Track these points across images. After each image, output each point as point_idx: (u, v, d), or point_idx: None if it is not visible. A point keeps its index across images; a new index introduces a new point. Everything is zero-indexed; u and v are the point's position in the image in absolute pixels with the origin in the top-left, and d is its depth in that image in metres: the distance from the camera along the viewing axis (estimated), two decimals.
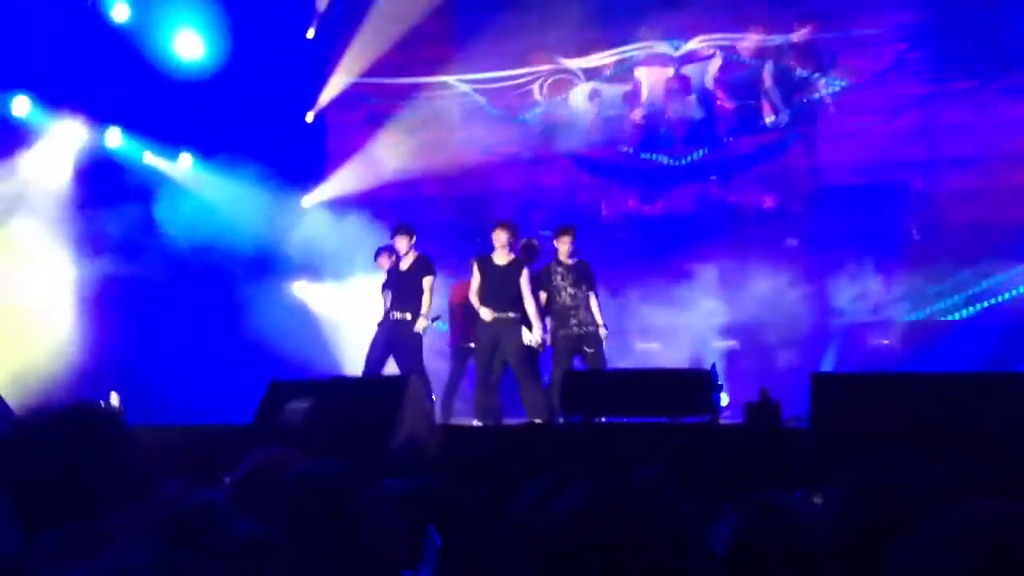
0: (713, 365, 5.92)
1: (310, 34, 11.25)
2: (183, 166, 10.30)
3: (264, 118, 10.38)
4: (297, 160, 10.82)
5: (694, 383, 5.44)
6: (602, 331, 7.75)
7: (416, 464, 5.31)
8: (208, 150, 10.15)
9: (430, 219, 10.34)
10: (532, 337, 7.54)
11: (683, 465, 4.93)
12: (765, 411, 5.24)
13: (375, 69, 11.18)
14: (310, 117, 11.34)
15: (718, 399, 5.56)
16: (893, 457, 2.28)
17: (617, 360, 9.46)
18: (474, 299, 7.61)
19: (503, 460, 5.27)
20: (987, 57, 9.37)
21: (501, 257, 7.63)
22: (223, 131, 10.07)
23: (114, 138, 9.81)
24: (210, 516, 1.53)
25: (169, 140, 10.04)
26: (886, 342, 8.70)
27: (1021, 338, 8.02)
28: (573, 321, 7.69)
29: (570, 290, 7.74)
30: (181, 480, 1.73)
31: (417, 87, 11.27)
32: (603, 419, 5.63)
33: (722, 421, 5.84)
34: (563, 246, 7.82)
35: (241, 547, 1.47)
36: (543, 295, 7.76)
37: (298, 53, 10.99)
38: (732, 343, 9.23)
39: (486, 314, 7.43)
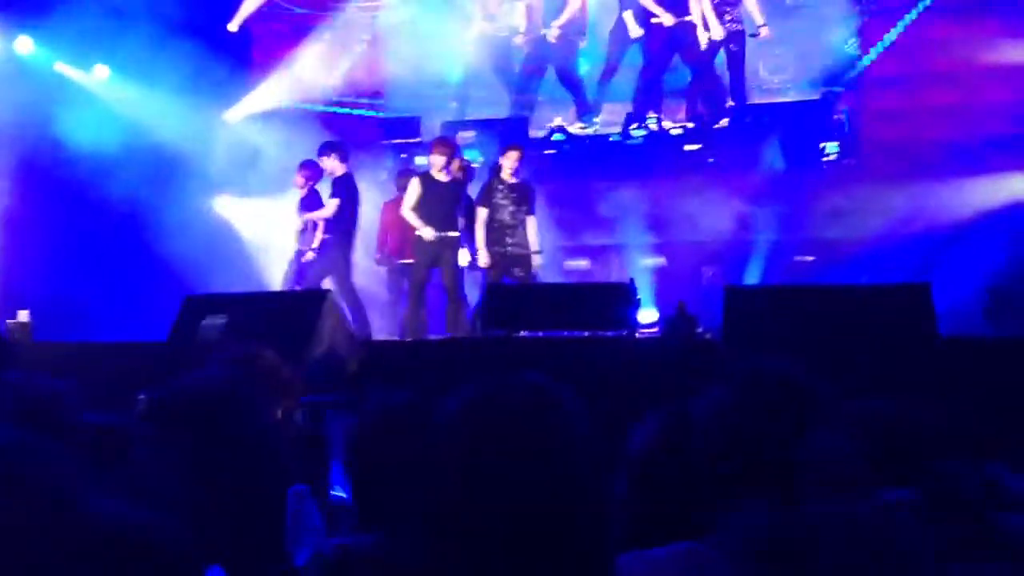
0: (631, 280, 5.96)
1: None
2: (98, 76, 9.90)
3: (185, 27, 9.97)
4: (220, 71, 10.46)
5: (612, 298, 5.48)
6: (536, 258, 7.79)
7: (336, 379, 5.30)
8: (125, 60, 9.75)
9: (357, 136, 10.16)
10: (466, 256, 7.61)
11: (600, 378, 5.00)
12: (680, 324, 5.31)
13: None
14: (233, 26, 10.93)
15: (635, 313, 5.61)
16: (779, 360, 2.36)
17: (547, 278, 9.51)
18: (408, 214, 7.51)
19: (423, 374, 5.28)
20: None
21: (442, 175, 7.59)
22: (141, 40, 9.65)
23: (24, 45, 9.38)
24: (56, 404, 1.49)
25: (83, 49, 9.62)
26: (810, 259, 8.83)
27: (938, 256, 8.23)
28: (509, 240, 7.74)
29: (511, 208, 7.79)
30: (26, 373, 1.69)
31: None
32: (523, 333, 5.65)
33: (639, 335, 5.91)
34: (508, 163, 7.84)
35: (87, 433, 1.44)
36: (483, 211, 7.75)
37: None
38: (660, 260, 9.29)
39: (428, 233, 7.36)
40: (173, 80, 9.62)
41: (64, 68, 9.68)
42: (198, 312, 5.71)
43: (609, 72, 9.88)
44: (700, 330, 5.38)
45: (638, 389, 4.75)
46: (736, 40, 9.38)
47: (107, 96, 9.84)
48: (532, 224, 7.85)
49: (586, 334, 5.45)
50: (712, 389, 2.42)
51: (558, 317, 5.47)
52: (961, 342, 4.45)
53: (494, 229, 7.72)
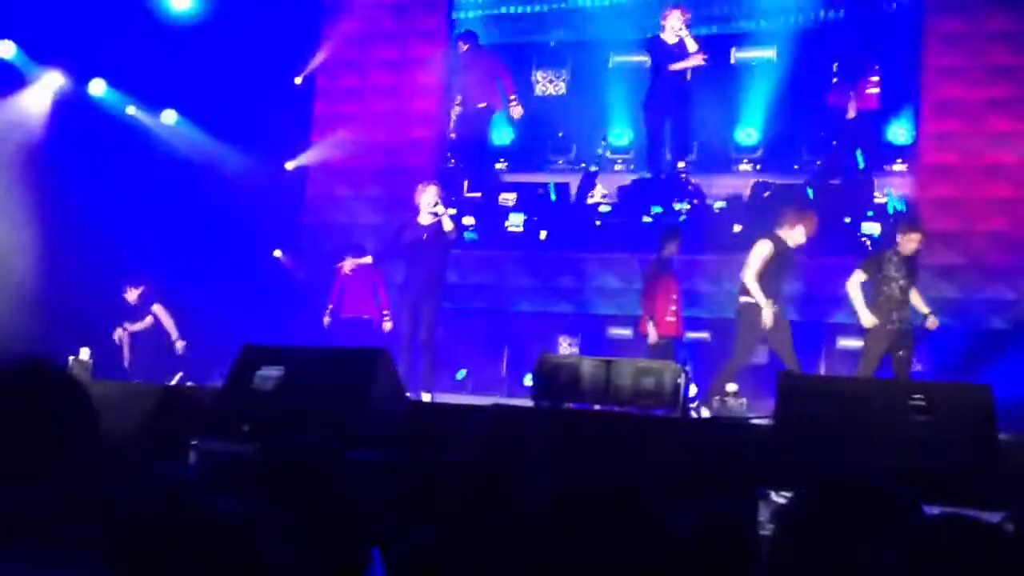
0: (684, 359, 5.98)
1: None
2: (167, 120, 10.20)
3: (253, 78, 10.28)
4: (283, 122, 10.75)
5: (664, 377, 5.51)
6: None
7: (386, 437, 5.34)
8: (194, 106, 10.07)
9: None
10: None
11: (649, 457, 5.00)
12: (731, 407, 5.31)
13: (369, 35, 11.09)
14: (299, 80, 11.24)
15: (687, 394, 5.62)
16: (852, 461, 2.38)
17: (590, 347, 9.53)
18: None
19: (471, 439, 5.31)
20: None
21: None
22: (211, 88, 9.98)
23: (98, 88, 9.71)
24: (177, 497, 1.54)
25: (155, 93, 9.94)
26: (861, 343, 8.72)
27: (985, 346, 8.19)
28: None
29: None
30: (143, 455, 1.74)
31: (411, 56, 11.16)
32: (572, 405, 5.68)
33: (690, 415, 5.91)
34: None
35: (215, 526, 1.49)
36: None
37: (291, 13, 10.88)
38: (704, 335, 9.27)
39: None
40: (238, 127, 9.91)
41: (135, 112, 10.00)
42: (255, 362, 5.78)
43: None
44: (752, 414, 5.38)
45: (688, 469, 4.76)
46: None
47: (173, 139, 10.14)
48: None
49: (636, 411, 5.47)
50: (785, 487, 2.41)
51: (608, 392, 5.51)
52: (1019, 444, 4.43)
53: None
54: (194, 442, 5.30)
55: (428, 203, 7.28)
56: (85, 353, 6.62)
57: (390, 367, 5.73)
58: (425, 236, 7.24)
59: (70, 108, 9.31)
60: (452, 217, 7.71)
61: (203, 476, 4.53)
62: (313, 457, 2.11)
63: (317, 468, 2.08)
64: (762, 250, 7.13)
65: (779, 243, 7.19)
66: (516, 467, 3.03)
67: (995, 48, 9.11)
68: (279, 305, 9.72)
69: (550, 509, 2.01)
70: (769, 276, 7.09)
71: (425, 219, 7.29)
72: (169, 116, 10.19)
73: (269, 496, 2.02)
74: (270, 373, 5.67)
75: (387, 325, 8.94)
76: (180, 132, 10.18)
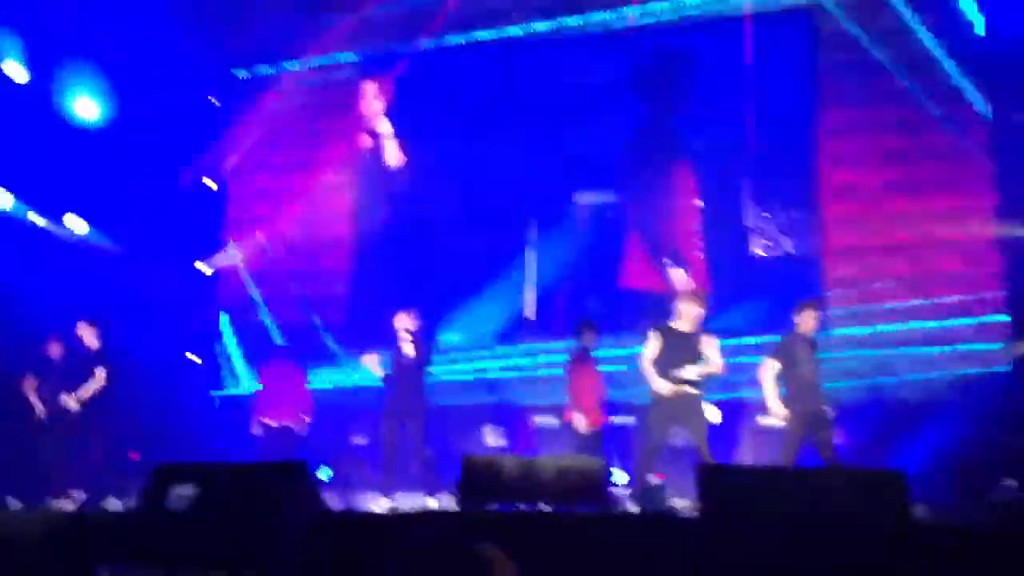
0: (607, 451, 5.94)
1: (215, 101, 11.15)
2: (73, 227, 10.00)
3: (164, 182, 10.19)
4: (195, 226, 10.64)
5: (588, 472, 5.48)
6: None
7: (303, 556, 5.17)
8: (104, 213, 9.90)
9: (329, 291, 10.28)
10: None
11: (577, 555, 4.94)
12: (655, 498, 5.30)
13: (278, 137, 11.10)
14: (214, 185, 11.16)
15: (612, 488, 5.59)
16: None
17: (517, 436, 9.48)
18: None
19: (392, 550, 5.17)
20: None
21: None
22: (122, 194, 9.85)
23: (3, 199, 9.50)
24: None
25: (61, 201, 9.75)
26: (783, 423, 8.82)
27: (898, 421, 8.37)
28: None
29: None
30: None
31: (323, 159, 11.18)
32: (497, 506, 5.60)
33: (616, 509, 5.86)
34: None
35: None
36: None
37: (203, 118, 10.86)
38: (629, 419, 9.25)
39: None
40: (149, 233, 9.76)
41: (37, 219, 9.79)
42: (167, 481, 5.59)
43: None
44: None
45: (614, 569, 4.71)
46: None
47: (81, 246, 9.92)
48: None
49: (561, 508, 5.41)
50: None
51: (532, 490, 5.45)
52: (934, 528, 4.49)
53: None
54: (104, 568, 5.06)
55: (399, 329, 8.17)
56: None
57: (308, 480, 5.59)
58: (403, 361, 8.13)
59: None
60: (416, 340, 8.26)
61: None
62: None
63: None
64: (652, 339, 7.20)
65: (667, 330, 7.25)
66: None
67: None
68: (199, 412, 9.48)
69: None
70: (664, 362, 7.13)
71: (404, 345, 8.13)
72: (72, 221, 9.97)
73: None
74: (184, 492, 5.48)
75: (301, 429, 8.87)
76: (86, 237, 9.97)
